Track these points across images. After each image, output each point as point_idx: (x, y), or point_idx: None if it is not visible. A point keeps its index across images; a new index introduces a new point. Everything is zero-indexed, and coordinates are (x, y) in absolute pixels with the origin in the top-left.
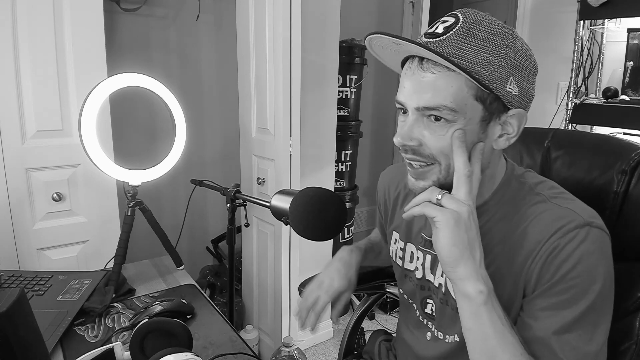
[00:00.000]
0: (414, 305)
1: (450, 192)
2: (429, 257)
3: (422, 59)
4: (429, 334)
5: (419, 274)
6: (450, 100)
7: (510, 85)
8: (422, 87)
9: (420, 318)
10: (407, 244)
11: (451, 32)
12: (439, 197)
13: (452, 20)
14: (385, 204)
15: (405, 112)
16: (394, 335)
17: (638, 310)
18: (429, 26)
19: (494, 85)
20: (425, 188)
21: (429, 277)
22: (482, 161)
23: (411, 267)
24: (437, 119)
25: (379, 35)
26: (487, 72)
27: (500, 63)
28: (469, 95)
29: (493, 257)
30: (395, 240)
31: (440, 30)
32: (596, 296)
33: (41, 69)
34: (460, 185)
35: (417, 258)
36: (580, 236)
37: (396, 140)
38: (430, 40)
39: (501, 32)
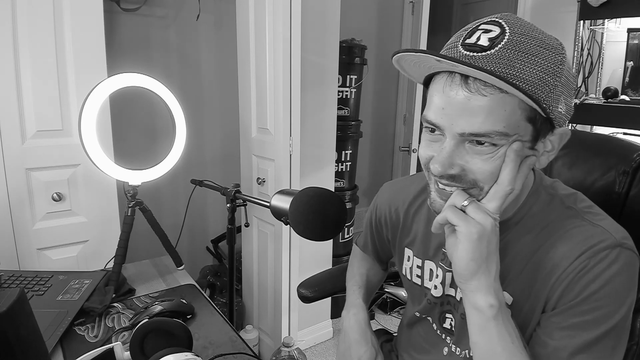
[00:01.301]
0: (429, 319)
1: (478, 200)
2: (449, 274)
3: (466, 76)
4: (445, 348)
5: (437, 293)
6: (503, 125)
7: (561, 105)
8: (469, 110)
9: (439, 332)
10: (426, 261)
11: (500, 46)
12: (465, 203)
13: (497, 30)
14: (391, 220)
15: (433, 130)
16: (395, 335)
17: (639, 311)
18: (464, 34)
19: (551, 107)
20: None
21: (450, 291)
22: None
23: (430, 285)
24: (481, 142)
25: (418, 53)
26: (544, 93)
27: (555, 82)
28: (521, 117)
29: (519, 270)
30: (409, 257)
31: (484, 42)
32: (619, 320)
33: (41, 69)
34: (495, 199)
35: (437, 276)
36: (610, 257)
37: (435, 168)
38: (476, 55)
39: (553, 46)
